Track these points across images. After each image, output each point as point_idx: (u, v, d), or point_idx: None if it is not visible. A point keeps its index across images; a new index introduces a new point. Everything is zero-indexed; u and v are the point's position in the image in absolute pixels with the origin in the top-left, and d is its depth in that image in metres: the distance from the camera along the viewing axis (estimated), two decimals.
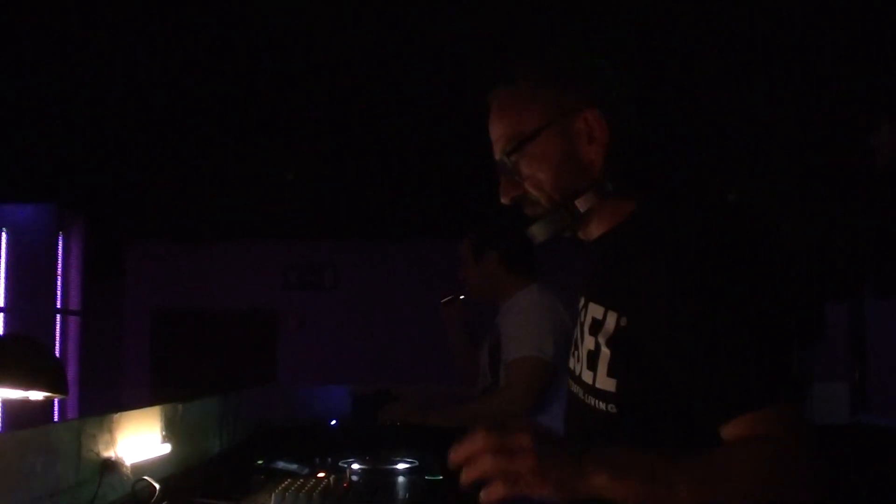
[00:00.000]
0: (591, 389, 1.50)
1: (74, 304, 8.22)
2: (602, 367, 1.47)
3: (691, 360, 1.33)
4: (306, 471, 3.09)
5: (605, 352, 1.47)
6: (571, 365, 1.65)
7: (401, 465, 3.26)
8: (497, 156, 1.58)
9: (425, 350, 8.63)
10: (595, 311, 1.52)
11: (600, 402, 1.48)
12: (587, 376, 1.52)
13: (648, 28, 4.07)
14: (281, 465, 3.18)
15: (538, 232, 1.56)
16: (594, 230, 1.58)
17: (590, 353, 1.51)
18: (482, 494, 1.26)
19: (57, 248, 8.01)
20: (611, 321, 1.46)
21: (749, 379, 1.29)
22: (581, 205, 1.51)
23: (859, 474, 4.30)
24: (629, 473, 1.23)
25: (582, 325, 1.58)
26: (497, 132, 1.58)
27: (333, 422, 4.58)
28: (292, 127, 5.88)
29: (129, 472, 2.52)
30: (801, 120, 3.61)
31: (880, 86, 3.25)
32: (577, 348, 1.60)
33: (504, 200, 1.58)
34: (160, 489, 2.50)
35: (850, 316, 5.88)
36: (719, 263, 1.34)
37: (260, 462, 3.23)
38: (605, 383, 1.47)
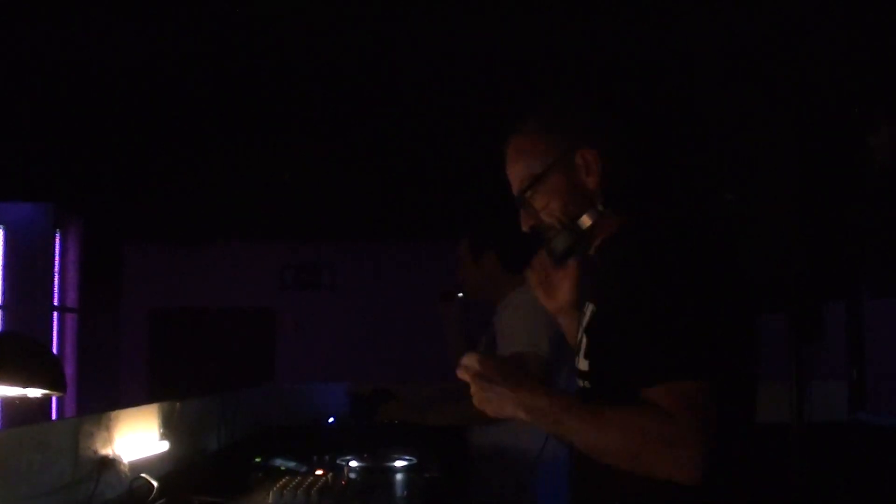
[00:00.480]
0: (576, 371, 1.82)
1: (72, 302, 8.22)
2: (581, 351, 1.79)
3: (624, 339, 1.62)
4: (304, 469, 3.09)
5: (584, 338, 1.78)
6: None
7: (399, 463, 3.26)
8: (515, 193, 1.89)
9: (423, 348, 8.63)
10: (585, 307, 1.83)
11: (579, 380, 1.80)
12: (575, 361, 1.83)
13: (646, 26, 4.07)
14: (279, 462, 3.18)
15: (556, 247, 1.85)
16: (595, 243, 1.87)
17: (578, 341, 1.83)
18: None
19: (54, 247, 8.01)
20: (588, 312, 1.79)
21: (657, 358, 1.55)
22: (583, 223, 1.80)
23: (858, 472, 4.31)
24: (538, 415, 1.62)
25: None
26: (512, 174, 1.89)
27: (331, 420, 4.57)
28: (289, 127, 5.88)
29: (126, 469, 2.52)
30: (798, 119, 3.60)
31: (879, 85, 3.25)
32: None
33: (525, 229, 1.89)
34: (158, 487, 2.50)
35: (849, 314, 5.89)
36: (658, 266, 1.62)
37: (258, 460, 3.22)
38: (583, 364, 1.78)
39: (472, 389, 1.70)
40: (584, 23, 4.28)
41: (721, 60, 4.00)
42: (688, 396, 1.50)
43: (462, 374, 1.72)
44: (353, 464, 3.17)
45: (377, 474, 3.12)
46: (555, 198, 1.82)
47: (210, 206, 8.05)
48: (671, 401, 1.50)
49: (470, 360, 1.70)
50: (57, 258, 8.05)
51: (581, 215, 1.81)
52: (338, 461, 3.19)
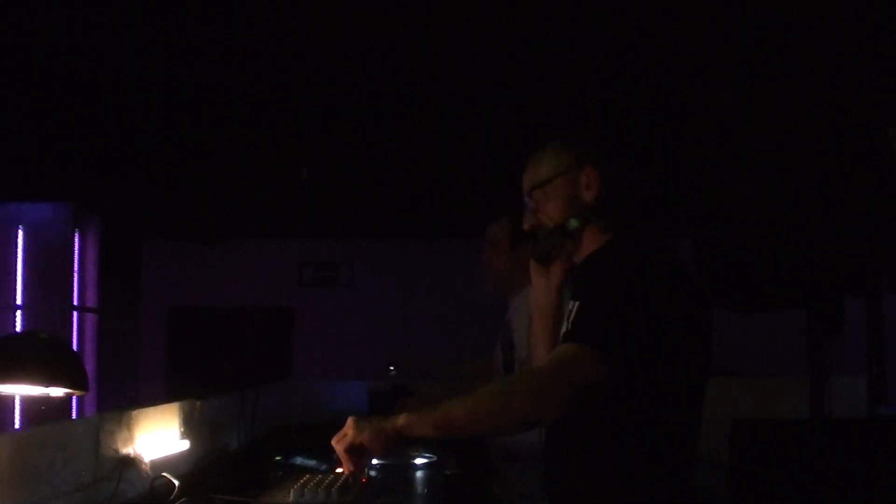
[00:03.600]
0: None
1: (91, 301, 8.26)
2: None
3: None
4: (324, 466, 3.10)
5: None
6: None
7: (419, 461, 3.27)
8: (524, 197, 2.20)
9: (440, 347, 8.65)
10: (571, 305, 2.03)
11: None
12: None
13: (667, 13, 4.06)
14: (299, 460, 3.19)
15: (542, 246, 2.18)
16: (583, 254, 2.14)
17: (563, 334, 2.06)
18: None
19: (73, 246, 8.04)
20: (574, 308, 1.98)
21: (573, 325, 1.88)
22: (570, 225, 2.11)
23: (878, 467, 4.29)
24: (419, 412, 1.88)
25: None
26: (525, 180, 2.21)
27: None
28: (307, 125, 5.89)
29: (147, 468, 2.53)
30: (818, 112, 3.59)
31: None
32: None
33: (526, 227, 2.21)
34: (179, 485, 2.51)
35: (868, 309, 5.87)
36: (618, 271, 1.95)
37: (278, 458, 3.23)
38: None
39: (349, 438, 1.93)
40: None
41: (739, 56, 3.99)
42: (567, 352, 1.84)
43: (337, 442, 1.95)
44: (374, 461, 3.17)
45: (397, 472, 3.12)
46: (554, 201, 2.13)
47: (228, 204, 8.08)
48: (556, 353, 1.86)
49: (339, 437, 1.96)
50: (76, 258, 8.09)
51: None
52: None
